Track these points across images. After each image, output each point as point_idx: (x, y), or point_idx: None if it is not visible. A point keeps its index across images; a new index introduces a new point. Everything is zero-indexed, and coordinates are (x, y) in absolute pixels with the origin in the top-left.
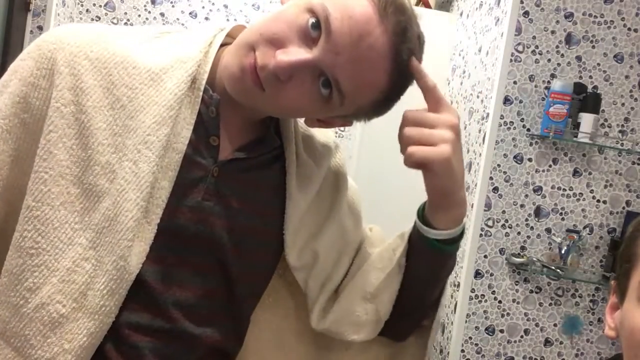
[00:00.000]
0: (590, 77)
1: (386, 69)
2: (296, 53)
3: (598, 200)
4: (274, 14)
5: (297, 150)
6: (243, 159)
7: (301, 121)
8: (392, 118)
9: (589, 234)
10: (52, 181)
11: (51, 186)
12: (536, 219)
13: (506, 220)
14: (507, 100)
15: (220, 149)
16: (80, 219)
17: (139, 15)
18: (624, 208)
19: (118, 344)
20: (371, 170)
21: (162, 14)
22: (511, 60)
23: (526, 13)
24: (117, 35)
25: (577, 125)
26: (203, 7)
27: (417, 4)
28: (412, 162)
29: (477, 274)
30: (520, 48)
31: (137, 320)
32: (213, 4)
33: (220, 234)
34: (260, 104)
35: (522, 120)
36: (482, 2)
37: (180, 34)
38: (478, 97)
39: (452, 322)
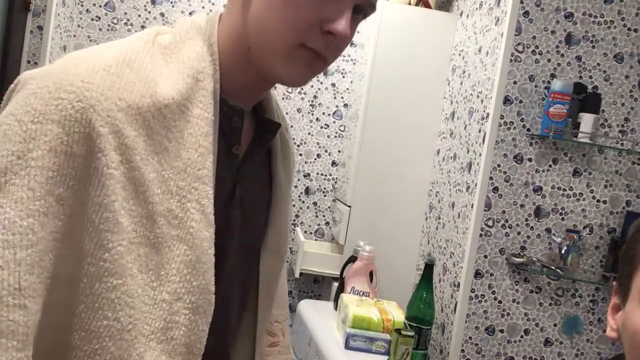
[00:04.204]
0: (590, 77)
1: None
2: (346, 14)
3: (598, 200)
4: (277, 5)
5: (276, 141)
6: (251, 159)
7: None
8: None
9: (589, 234)
10: (127, 251)
11: (127, 257)
12: (536, 219)
13: (506, 220)
14: (507, 100)
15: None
16: (157, 276)
17: (139, 15)
18: (624, 208)
19: None
20: (371, 170)
21: (162, 14)
22: (511, 60)
23: (526, 13)
24: (128, 67)
25: (577, 125)
26: (203, 7)
27: (417, 4)
28: None
29: (477, 274)
30: (520, 48)
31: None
32: (213, 4)
33: (254, 242)
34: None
35: (522, 120)
36: (482, 2)
37: (174, 38)
38: (478, 97)
39: (452, 322)
